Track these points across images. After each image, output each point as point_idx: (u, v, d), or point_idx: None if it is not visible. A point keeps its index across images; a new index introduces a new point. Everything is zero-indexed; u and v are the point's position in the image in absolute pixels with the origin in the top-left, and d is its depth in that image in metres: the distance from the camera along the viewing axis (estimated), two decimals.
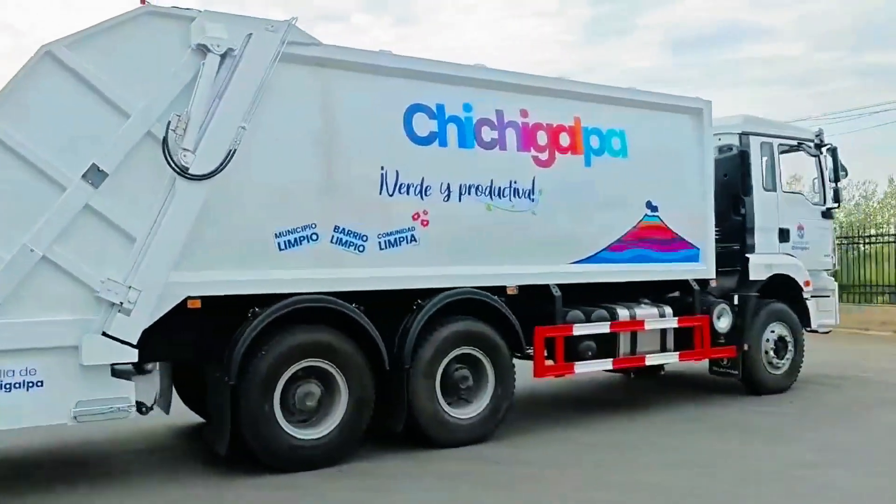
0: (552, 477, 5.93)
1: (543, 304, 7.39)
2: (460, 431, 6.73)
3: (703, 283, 8.65)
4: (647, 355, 8.04)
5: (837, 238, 16.78)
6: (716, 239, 9.11)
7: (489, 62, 7.32)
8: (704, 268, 8.58)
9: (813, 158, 9.76)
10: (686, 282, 8.48)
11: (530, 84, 7.44)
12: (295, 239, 6.13)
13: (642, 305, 8.14)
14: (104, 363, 5.37)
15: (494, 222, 7.10)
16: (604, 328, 7.68)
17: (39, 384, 5.21)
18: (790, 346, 9.24)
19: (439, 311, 6.68)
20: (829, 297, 9.88)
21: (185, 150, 5.57)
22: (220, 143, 5.71)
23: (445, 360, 6.70)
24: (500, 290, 7.13)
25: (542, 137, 7.42)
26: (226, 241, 5.84)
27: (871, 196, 34.86)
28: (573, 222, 7.60)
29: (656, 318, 8.10)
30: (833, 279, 10.14)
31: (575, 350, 7.59)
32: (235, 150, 5.75)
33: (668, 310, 8.23)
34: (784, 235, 9.37)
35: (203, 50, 5.70)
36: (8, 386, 5.13)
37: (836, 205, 9.83)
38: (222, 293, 5.80)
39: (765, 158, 9.31)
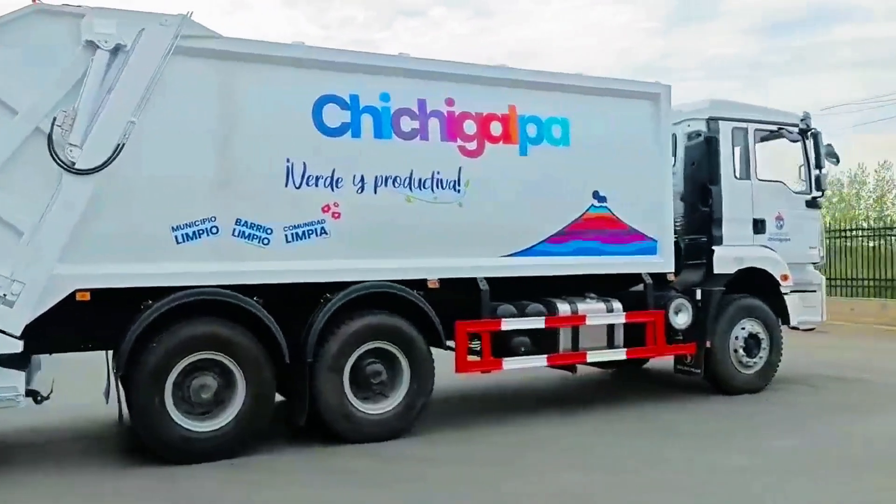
0: (444, 477, 5.77)
1: (471, 299, 7.19)
2: (370, 427, 6.63)
3: (661, 276, 8.26)
4: (590, 352, 7.72)
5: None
6: (683, 231, 8.74)
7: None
8: (661, 261, 8.18)
9: (798, 144, 9.14)
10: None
11: (458, 72, 7.23)
12: (193, 232, 6.15)
13: (587, 300, 7.82)
14: None
15: (415, 214, 6.94)
16: (538, 323, 7.42)
17: None
18: (764, 345, 8.72)
19: (348, 304, 6.60)
20: (814, 291, 9.27)
21: (71, 145, 5.66)
22: (108, 137, 5.78)
23: (355, 355, 6.61)
24: (421, 284, 6.99)
25: (469, 127, 7.21)
26: (119, 234, 5.91)
27: None
28: (506, 214, 7.36)
29: (602, 314, 7.78)
30: (820, 273, 9.48)
31: (507, 345, 7.37)
32: (124, 144, 5.81)
33: (617, 305, 7.89)
34: (759, 226, 8.83)
35: (93, 46, 5.77)
36: None
37: (819, 193, 9.19)
38: (113, 286, 5.87)
39: (738, 145, 8.79)
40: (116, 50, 5.85)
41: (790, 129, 9.03)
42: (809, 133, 9.09)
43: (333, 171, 6.63)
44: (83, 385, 7.23)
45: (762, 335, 8.71)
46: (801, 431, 7.08)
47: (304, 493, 5.47)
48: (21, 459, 6.24)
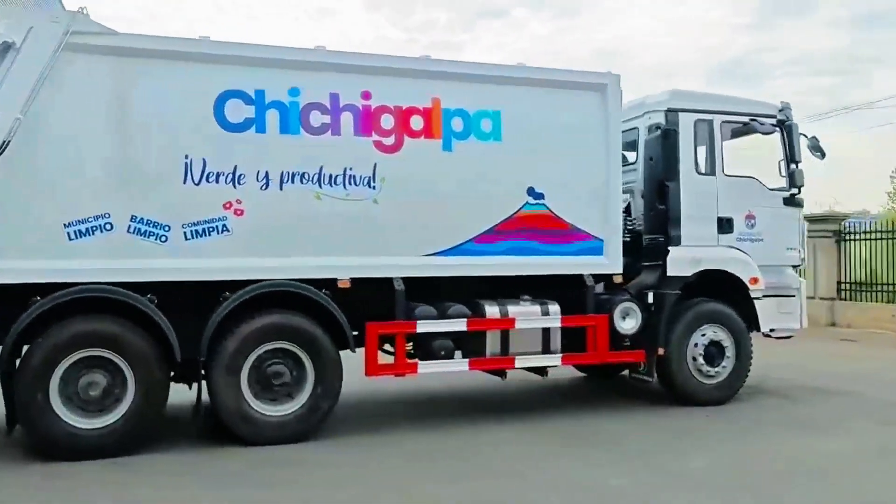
0: (328, 480, 5.58)
1: (388, 299, 6.95)
2: (270, 429, 6.48)
3: (607, 278, 7.80)
4: (519, 357, 7.34)
5: None
6: (645, 230, 8.23)
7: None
8: (606, 261, 7.71)
9: (770, 137, 8.46)
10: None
11: (377, 65, 7.00)
12: (86, 229, 6.15)
13: (521, 302, 7.45)
14: None
15: (325, 211, 6.75)
16: (458, 326, 7.10)
17: None
18: (728, 353, 8.10)
19: (249, 303, 6.47)
20: (792, 296, 8.56)
21: None
22: None
23: (255, 354, 6.47)
24: (331, 284, 6.79)
25: (387, 121, 6.96)
26: (11, 230, 5.95)
27: None
28: (427, 211, 7.08)
29: (535, 317, 7.38)
30: (799, 276, 8.75)
31: (426, 348, 7.10)
32: (9, 141, 5.84)
33: (555, 308, 7.48)
34: (725, 226, 8.21)
35: None
36: None
37: (795, 190, 8.47)
38: (3, 282, 5.92)
39: (701, 138, 8.19)
40: (6, 48, 5.90)
41: (763, 120, 8.36)
42: (785, 125, 8.39)
43: (235, 167, 6.51)
44: None
45: (726, 343, 8.10)
46: (724, 449, 6.51)
47: (174, 495, 5.36)
48: None
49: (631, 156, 8.62)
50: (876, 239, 15.88)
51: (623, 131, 8.57)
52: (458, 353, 7.43)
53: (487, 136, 7.30)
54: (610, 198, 7.71)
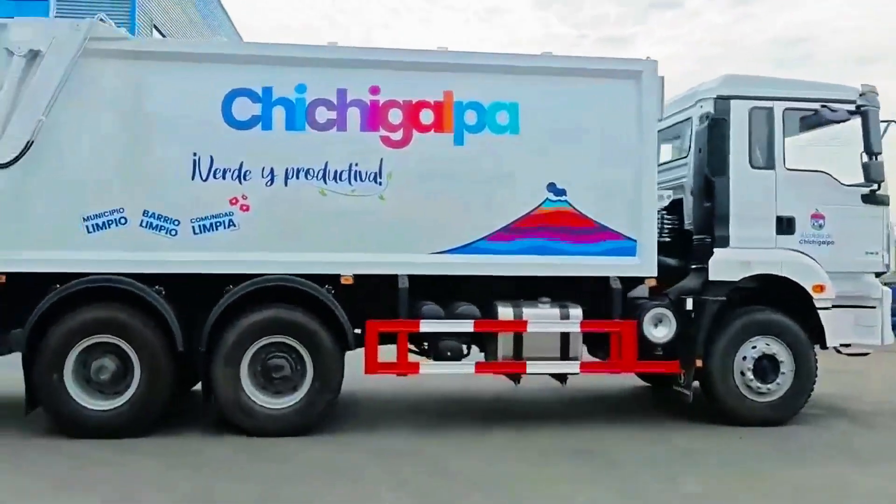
0: (269, 476, 5.56)
1: (392, 297, 6.83)
2: (268, 421, 6.57)
3: (637, 281, 7.21)
4: (532, 362, 6.95)
5: None
6: (695, 230, 7.54)
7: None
8: (638, 262, 7.12)
9: (845, 126, 7.43)
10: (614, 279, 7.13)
11: (385, 59, 6.91)
12: (103, 222, 6.55)
13: (539, 305, 7.06)
14: None
15: (329, 207, 6.76)
16: (464, 326, 6.84)
17: None
18: (784, 368, 7.21)
19: (250, 297, 6.61)
20: (872, 308, 7.47)
21: None
22: (20, 135, 6.35)
23: (254, 347, 6.59)
24: (335, 280, 6.79)
25: (395, 115, 6.85)
26: (35, 223, 6.46)
27: None
28: (435, 208, 6.89)
29: (552, 320, 6.96)
30: (881, 285, 7.61)
31: (433, 348, 6.91)
32: (33, 141, 6.35)
33: (576, 311, 7.01)
34: (786, 226, 7.31)
35: (10, 53, 6.39)
36: None
37: (874, 185, 7.36)
38: (26, 270, 6.44)
39: (758, 127, 7.35)
40: (35, 56, 6.41)
41: (836, 106, 7.35)
42: (860, 111, 7.33)
43: (241, 164, 6.67)
44: None
45: (782, 357, 7.21)
46: (729, 473, 5.75)
47: (137, 473, 5.57)
48: None
49: (683, 149, 7.93)
50: None
51: (676, 123, 7.97)
52: (481, 355, 7.23)
53: (503, 129, 6.98)
54: (643, 194, 7.11)
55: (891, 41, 51.97)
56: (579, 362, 7.00)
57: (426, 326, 6.81)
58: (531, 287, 7.16)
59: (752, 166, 7.32)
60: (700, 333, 7.11)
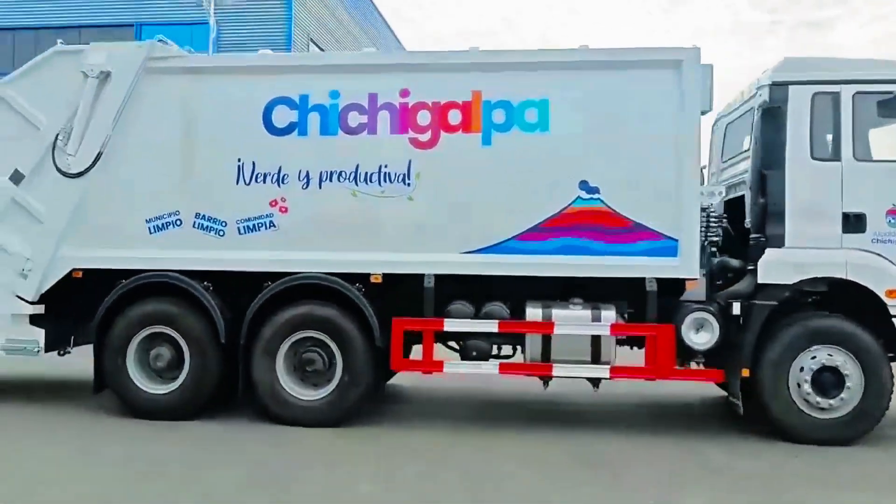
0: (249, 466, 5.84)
1: (423, 296, 6.94)
2: (299, 411, 6.92)
3: (678, 282, 6.79)
4: (559, 364, 6.76)
5: None
6: (753, 229, 7.01)
7: None
8: (678, 263, 6.71)
9: None
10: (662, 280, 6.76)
11: (415, 62, 7.07)
12: (162, 224, 7.23)
13: (571, 306, 6.86)
14: (15, 313, 7.35)
15: (361, 208, 7.00)
16: (489, 326, 6.80)
17: None
18: (850, 382, 6.46)
19: (286, 293, 7.00)
20: None
21: (68, 154, 7.21)
22: (91, 147, 7.18)
23: (290, 340, 6.97)
24: (365, 278, 7.02)
25: (423, 117, 6.96)
26: (105, 225, 7.26)
27: None
28: (464, 207, 6.91)
29: (582, 323, 6.74)
30: None
31: (464, 348, 6.96)
32: (102, 152, 7.15)
33: (608, 313, 6.74)
34: (854, 223, 6.55)
35: (85, 75, 7.23)
36: None
37: None
38: (99, 266, 7.26)
39: (822, 115, 6.65)
40: (105, 76, 7.21)
41: None
42: None
43: (280, 168, 7.09)
44: None
45: (847, 369, 6.47)
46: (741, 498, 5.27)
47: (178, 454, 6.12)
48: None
49: (746, 142, 7.35)
50: None
51: (744, 113, 7.43)
52: (518, 356, 7.18)
53: (533, 128, 6.86)
54: (683, 191, 6.69)
55: None
56: (609, 367, 6.72)
57: (450, 325, 6.85)
58: (579, 288, 6.98)
59: (814, 158, 6.65)
60: (747, 340, 6.57)
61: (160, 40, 7.27)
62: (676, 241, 6.72)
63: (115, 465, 5.77)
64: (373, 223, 7.00)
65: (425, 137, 6.97)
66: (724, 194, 7.10)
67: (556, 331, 6.72)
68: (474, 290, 7.07)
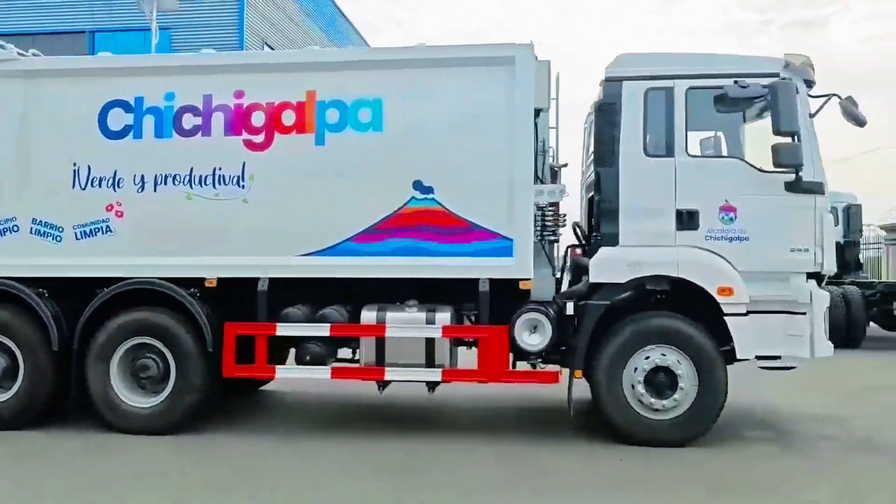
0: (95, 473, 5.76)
1: (253, 299, 6.81)
2: (134, 419, 6.79)
3: (513, 283, 6.66)
4: (390, 368, 6.63)
5: None
6: (593, 228, 6.90)
7: None
8: (514, 263, 6.58)
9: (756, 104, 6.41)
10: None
11: (249, 62, 6.97)
12: (1, 230, 7.12)
13: (406, 308, 6.74)
14: None
15: (196, 212, 6.88)
16: (321, 331, 6.67)
17: None
18: (683, 383, 6.34)
19: (119, 299, 6.87)
20: (801, 314, 6.39)
21: None
22: None
23: (125, 347, 6.84)
24: (201, 283, 6.89)
25: (258, 118, 6.84)
26: None
27: None
28: (299, 210, 6.79)
29: (416, 325, 6.62)
30: (815, 287, 6.45)
31: (299, 353, 6.82)
32: None
33: (442, 315, 6.62)
34: (688, 220, 6.44)
35: None
36: None
37: (796, 171, 6.24)
38: None
39: (656, 110, 6.53)
40: None
41: (749, 81, 6.34)
42: (772, 86, 6.27)
43: (115, 171, 6.97)
44: None
45: (681, 369, 6.35)
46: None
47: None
48: None
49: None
50: None
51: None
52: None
53: (366, 127, 6.75)
54: (516, 190, 6.58)
55: None
56: (442, 370, 6.59)
57: (283, 330, 6.73)
58: (433, 290, 6.86)
59: (648, 154, 6.54)
60: (580, 341, 6.45)
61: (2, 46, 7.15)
62: (511, 240, 6.60)
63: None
64: (208, 226, 6.88)
65: (259, 139, 6.85)
66: (566, 193, 6.97)
67: (388, 333, 6.60)
68: (323, 294, 6.94)
